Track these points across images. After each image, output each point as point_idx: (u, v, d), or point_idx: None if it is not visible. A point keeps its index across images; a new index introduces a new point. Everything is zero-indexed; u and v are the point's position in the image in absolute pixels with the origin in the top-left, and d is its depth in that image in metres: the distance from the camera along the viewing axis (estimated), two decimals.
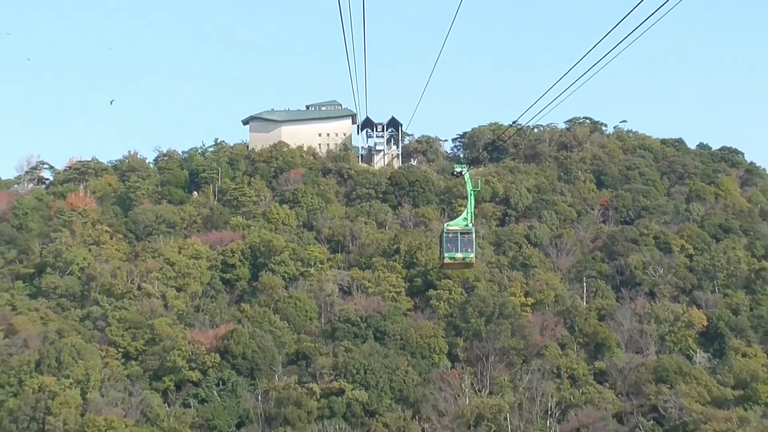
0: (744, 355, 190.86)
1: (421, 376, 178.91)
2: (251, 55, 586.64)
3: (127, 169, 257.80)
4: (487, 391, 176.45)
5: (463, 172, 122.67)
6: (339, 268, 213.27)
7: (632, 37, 25.32)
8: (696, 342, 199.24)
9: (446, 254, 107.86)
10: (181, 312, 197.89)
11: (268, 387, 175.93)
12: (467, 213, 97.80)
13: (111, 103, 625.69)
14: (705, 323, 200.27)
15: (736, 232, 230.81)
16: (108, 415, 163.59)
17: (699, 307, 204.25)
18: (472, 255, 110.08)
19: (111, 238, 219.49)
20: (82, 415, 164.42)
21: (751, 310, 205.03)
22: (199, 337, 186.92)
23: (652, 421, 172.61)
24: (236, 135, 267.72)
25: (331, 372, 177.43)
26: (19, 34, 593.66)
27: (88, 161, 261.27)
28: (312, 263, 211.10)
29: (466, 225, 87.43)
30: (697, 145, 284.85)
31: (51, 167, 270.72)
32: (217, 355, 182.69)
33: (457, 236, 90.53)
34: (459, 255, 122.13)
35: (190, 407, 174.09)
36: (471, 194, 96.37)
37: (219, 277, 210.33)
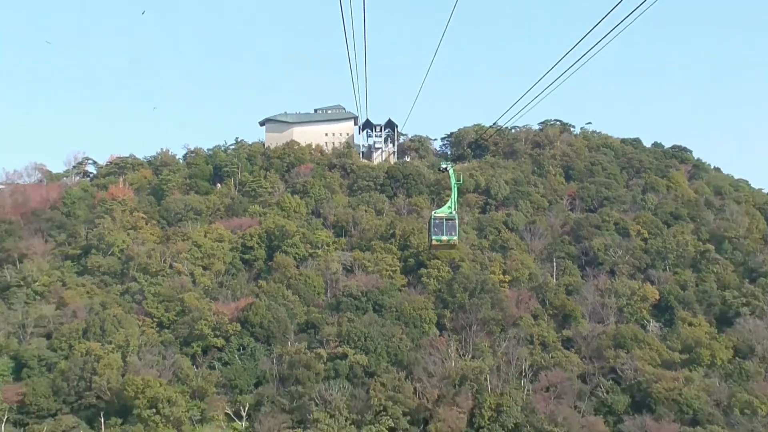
0: (690, 324, 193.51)
1: (413, 343, 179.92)
2: (267, 65, 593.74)
3: (160, 164, 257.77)
4: (470, 356, 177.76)
5: (448, 168, 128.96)
6: (343, 250, 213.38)
7: (595, 50, 26.51)
8: (649, 313, 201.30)
9: (434, 237, 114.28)
10: (206, 287, 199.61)
11: (282, 352, 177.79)
12: (451, 202, 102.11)
13: (153, 110, 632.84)
14: (657, 297, 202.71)
15: (684, 219, 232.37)
16: (145, 375, 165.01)
17: (652, 283, 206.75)
18: (456, 237, 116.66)
19: (146, 224, 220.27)
20: (122, 375, 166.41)
21: (697, 286, 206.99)
22: (223, 309, 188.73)
23: (611, 381, 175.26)
24: (254, 135, 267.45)
25: (336, 339, 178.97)
26: (67, 46, 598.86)
27: (126, 157, 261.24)
28: (319, 246, 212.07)
29: (450, 212, 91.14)
30: (652, 144, 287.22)
31: (94, 162, 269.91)
32: (238, 324, 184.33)
33: (443, 222, 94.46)
34: (444, 237, 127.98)
35: (215, 369, 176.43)
36: (454, 187, 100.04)
37: (239, 257, 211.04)
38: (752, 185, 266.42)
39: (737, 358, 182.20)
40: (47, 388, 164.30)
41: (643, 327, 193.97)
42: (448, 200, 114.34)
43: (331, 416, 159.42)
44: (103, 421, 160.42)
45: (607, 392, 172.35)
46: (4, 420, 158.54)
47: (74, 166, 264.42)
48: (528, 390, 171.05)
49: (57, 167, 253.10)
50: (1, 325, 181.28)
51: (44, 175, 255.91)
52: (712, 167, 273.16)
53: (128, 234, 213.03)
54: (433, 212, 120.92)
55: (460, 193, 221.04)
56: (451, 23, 47.45)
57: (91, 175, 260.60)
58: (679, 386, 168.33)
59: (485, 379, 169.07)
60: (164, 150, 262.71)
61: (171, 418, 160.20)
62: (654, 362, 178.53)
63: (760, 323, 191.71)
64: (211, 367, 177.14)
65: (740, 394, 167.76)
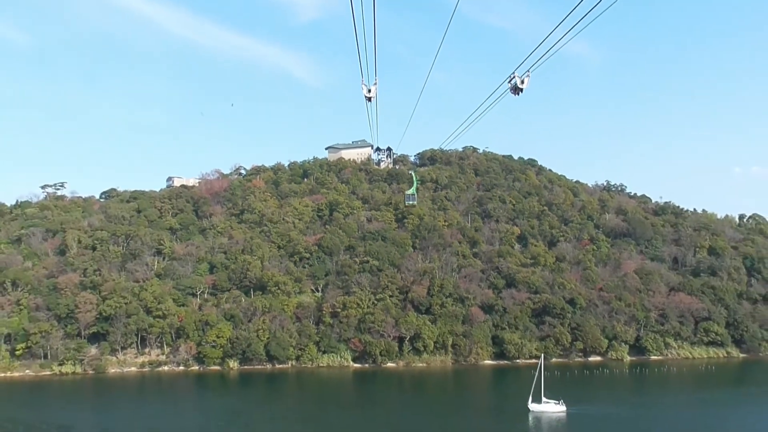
0: (534, 246, 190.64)
1: (400, 255, 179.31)
2: (330, 118, 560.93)
3: (277, 168, 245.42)
4: (428, 261, 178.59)
5: (412, 173, 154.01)
6: (366, 211, 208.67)
7: (486, 105, 28.13)
8: (515, 240, 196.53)
9: (407, 202, 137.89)
10: (301, 229, 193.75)
11: (338, 259, 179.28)
12: (414, 187, 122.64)
13: (231, 105, 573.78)
14: (519, 233, 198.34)
15: (533, 195, 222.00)
16: (271, 271, 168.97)
17: (518, 226, 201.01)
18: (415, 202, 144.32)
19: (270, 198, 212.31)
20: (261, 271, 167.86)
21: (539, 227, 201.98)
22: (308, 239, 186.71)
23: (496, 273, 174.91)
24: (321, 153, 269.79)
25: (363, 254, 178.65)
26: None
27: (259, 165, 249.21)
28: (354, 209, 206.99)
29: (413, 192, 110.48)
30: (518, 157, 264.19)
31: (243, 168, 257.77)
32: (316, 246, 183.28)
33: (410, 195, 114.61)
34: (410, 202, 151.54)
35: (305, 268, 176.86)
36: (416, 182, 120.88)
37: (316, 214, 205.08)
38: (568, 177, 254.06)
39: (557, 262, 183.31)
40: (225, 277, 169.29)
41: (512, 246, 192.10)
42: (412, 186, 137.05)
43: (361, 290, 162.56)
44: (252, 292, 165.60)
45: (494, 278, 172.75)
46: (206, 292, 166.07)
47: (234, 170, 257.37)
48: (456, 277, 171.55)
49: (226, 170, 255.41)
50: (203, 247, 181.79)
51: (219, 174, 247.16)
52: (548, 169, 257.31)
53: (262, 203, 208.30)
54: (406, 192, 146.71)
55: (423, 182, 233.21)
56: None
57: (243, 174, 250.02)
58: (529, 275, 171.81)
59: (435, 272, 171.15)
60: (278, 162, 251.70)
61: (284, 291, 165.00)
62: (517, 263, 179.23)
63: (569, 245, 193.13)
64: (303, 267, 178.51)
65: (558, 279, 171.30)
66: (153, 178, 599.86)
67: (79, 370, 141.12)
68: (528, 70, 23.44)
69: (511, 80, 24.09)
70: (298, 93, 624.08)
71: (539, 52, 21.15)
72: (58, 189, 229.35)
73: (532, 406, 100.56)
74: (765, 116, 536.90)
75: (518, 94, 24.50)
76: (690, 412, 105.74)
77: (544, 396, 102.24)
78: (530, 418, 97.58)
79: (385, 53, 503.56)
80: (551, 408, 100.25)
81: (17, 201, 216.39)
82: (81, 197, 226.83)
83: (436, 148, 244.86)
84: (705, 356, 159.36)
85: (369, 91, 27.68)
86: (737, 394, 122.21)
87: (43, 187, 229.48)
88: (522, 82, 23.91)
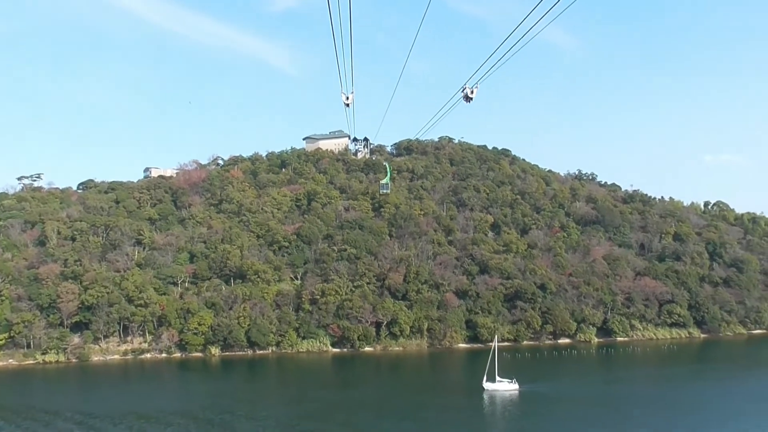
0: (507, 233, 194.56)
1: (377, 243, 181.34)
2: (307, 108, 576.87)
3: (255, 159, 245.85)
4: (404, 249, 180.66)
5: (386, 165, 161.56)
6: (344, 200, 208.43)
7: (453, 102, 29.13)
8: (489, 228, 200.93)
9: (381, 191, 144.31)
10: (279, 218, 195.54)
11: (316, 248, 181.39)
12: (388, 177, 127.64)
13: (189, 102, 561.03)
14: (492, 221, 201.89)
15: (507, 184, 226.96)
16: (251, 260, 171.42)
17: (491, 215, 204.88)
18: (389, 191, 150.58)
19: (249, 188, 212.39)
20: (240, 260, 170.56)
21: (512, 215, 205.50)
22: (287, 228, 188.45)
23: (470, 260, 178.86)
24: (299, 144, 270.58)
25: (341, 242, 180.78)
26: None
27: (237, 155, 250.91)
28: (332, 198, 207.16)
29: (387, 181, 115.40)
30: (492, 147, 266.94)
31: (221, 158, 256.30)
32: (295, 235, 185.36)
33: (384, 185, 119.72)
34: (384, 191, 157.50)
35: (284, 256, 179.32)
36: (389, 171, 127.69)
37: (294, 204, 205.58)
38: (541, 166, 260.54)
39: (529, 249, 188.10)
40: (205, 266, 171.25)
41: (486, 234, 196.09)
42: (386, 176, 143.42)
43: (340, 277, 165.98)
44: (232, 281, 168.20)
45: (468, 265, 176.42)
46: (187, 281, 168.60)
47: (212, 160, 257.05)
48: (431, 264, 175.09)
49: (204, 161, 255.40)
50: (182, 237, 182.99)
51: (197, 165, 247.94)
52: (522, 158, 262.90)
53: (240, 193, 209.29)
54: (380, 181, 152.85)
55: (399, 172, 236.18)
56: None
57: (221, 164, 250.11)
58: (501, 262, 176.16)
59: (411, 260, 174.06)
60: (256, 153, 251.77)
61: (264, 279, 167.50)
62: (490, 251, 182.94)
63: (540, 233, 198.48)
64: (282, 256, 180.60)
65: (529, 265, 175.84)
66: (130, 169, 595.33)
67: (62, 358, 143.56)
68: (477, 83, 27.54)
69: (463, 91, 28.15)
70: (274, 82, 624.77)
71: (514, 39, 21.33)
72: (34, 180, 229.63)
73: (487, 385, 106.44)
74: (735, 104, 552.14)
75: (469, 101, 28.54)
76: (643, 388, 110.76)
77: (498, 376, 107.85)
78: (485, 397, 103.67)
79: (363, 42, 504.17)
80: (504, 386, 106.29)
81: None
82: (58, 188, 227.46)
83: (412, 138, 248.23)
84: (668, 337, 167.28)
85: (347, 98, 30.69)
86: (696, 371, 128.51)
87: (19, 179, 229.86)
88: (471, 92, 28.12)
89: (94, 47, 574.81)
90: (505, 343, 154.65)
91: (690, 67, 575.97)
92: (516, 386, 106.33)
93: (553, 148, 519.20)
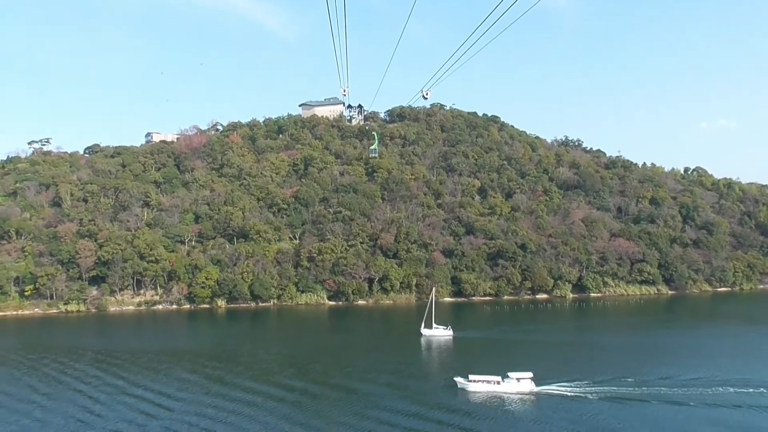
0: (493, 197, 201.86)
1: (370, 206, 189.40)
2: (304, 75, 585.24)
3: (253, 125, 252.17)
4: (395, 211, 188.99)
5: (374, 134, 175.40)
6: (339, 165, 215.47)
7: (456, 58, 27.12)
8: (476, 192, 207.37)
9: (370, 155, 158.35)
10: (278, 182, 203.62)
11: (313, 210, 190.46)
12: (376, 143, 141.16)
13: (167, 101, 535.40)
14: (480, 185, 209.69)
15: (494, 150, 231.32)
16: (252, 220, 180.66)
17: (479, 179, 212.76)
18: (377, 155, 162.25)
19: (248, 153, 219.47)
20: (243, 220, 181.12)
21: (498, 180, 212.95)
22: (286, 192, 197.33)
23: (456, 222, 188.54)
24: (295, 111, 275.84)
25: (337, 204, 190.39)
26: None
27: (235, 121, 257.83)
28: (328, 163, 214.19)
29: (375, 147, 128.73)
30: (483, 114, 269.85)
31: (220, 124, 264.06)
32: (293, 198, 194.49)
33: (374, 149, 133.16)
34: (373, 155, 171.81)
35: (283, 218, 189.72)
36: (377, 138, 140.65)
37: (292, 169, 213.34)
38: (528, 133, 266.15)
39: (512, 212, 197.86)
40: (209, 227, 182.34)
41: (473, 198, 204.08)
42: (374, 143, 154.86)
43: (335, 237, 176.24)
44: (235, 240, 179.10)
45: (455, 227, 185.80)
46: (193, 240, 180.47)
47: (212, 126, 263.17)
48: (420, 226, 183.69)
49: (204, 126, 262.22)
50: (187, 199, 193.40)
51: (198, 130, 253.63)
52: (510, 125, 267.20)
53: (240, 158, 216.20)
54: (370, 147, 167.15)
55: (392, 138, 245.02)
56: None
57: (220, 130, 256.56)
58: (486, 223, 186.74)
59: (402, 221, 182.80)
60: (254, 119, 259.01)
61: (265, 239, 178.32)
62: (476, 213, 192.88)
63: (524, 196, 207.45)
64: (282, 217, 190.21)
65: (512, 227, 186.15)
66: (131, 134, 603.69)
67: (82, 308, 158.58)
68: (430, 87, 37.62)
69: (422, 93, 38.55)
70: (270, 46, 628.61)
71: (519, 3, 19.53)
72: (44, 144, 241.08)
73: (424, 331, 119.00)
74: (730, 71, 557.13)
75: (426, 99, 39.51)
76: (594, 334, 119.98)
77: (435, 323, 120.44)
78: (422, 341, 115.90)
79: (357, 6, 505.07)
80: (440, 332, 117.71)
81: (8, 156, 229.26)
82: (67, 153, 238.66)
83: (405, 105, 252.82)
84: (638, 293, 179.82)
85: (344, 91, 36.95)
86: (656, 322, 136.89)
87: (30, 143, 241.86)
88: (427, 94, 38.72)
89: (88, 15, 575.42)
90: (487, 298, 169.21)
91: (689, 38, 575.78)
92: (450, 332, 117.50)
93: (545, 116, 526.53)
